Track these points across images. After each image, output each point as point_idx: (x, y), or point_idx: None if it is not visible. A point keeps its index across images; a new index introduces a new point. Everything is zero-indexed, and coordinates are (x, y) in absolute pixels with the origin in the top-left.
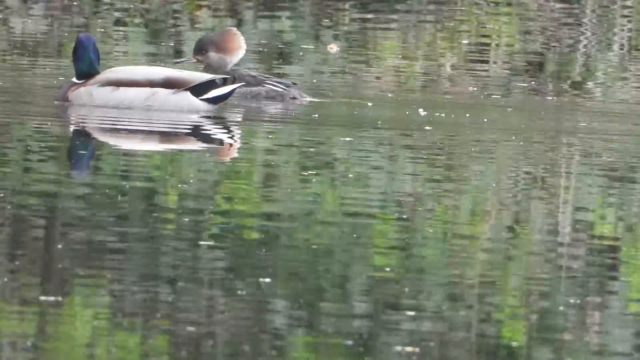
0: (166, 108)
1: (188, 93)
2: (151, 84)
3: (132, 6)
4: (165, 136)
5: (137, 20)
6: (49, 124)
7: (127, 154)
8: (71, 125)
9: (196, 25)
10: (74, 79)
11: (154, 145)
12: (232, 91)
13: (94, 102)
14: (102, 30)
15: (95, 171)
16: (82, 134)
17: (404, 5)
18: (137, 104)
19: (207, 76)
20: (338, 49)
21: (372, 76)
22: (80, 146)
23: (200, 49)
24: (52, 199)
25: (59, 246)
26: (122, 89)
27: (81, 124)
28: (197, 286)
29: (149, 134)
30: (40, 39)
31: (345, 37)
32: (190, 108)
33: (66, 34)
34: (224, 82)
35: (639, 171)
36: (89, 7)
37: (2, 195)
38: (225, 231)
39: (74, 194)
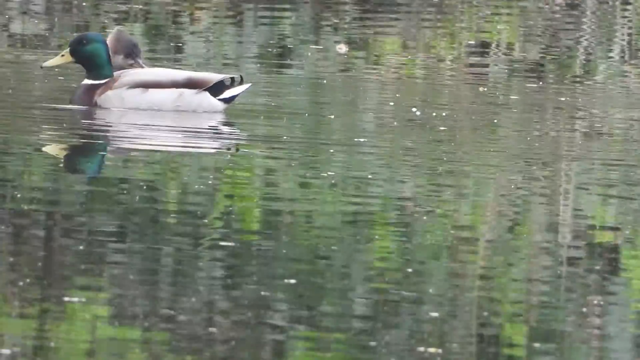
0: (191, 108)
1: (207, 93)
2: (175, 84)
3: (134, 7)
4: (188, 137)
5: (137, 21)
6: (64, 124)
7: (142, 156)
8: (99, 131)
9: (196, 24)
10: (91, 81)
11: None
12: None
13: (126, 105)
14: (102, 30)
15: (101, 173)
16: (103, 139)
17: (405, 5)
18: (168, 105)
19: (219, 76)
20: (347, 49)
21: (373, 75)
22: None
23: (140, 50)
24: (58, 200)
25: (61, 247)
26: (151, 90)
27: (107, 128)
28: (197, 286)
29: (176, 135)
30: (41, 39)
31: (347, 36)
32: (209, 108)
33: (75, 34)
34: (232, 81)
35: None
36: (89, 7)
37: (5, 197)
38: (226, 231)
39: (78, 195)
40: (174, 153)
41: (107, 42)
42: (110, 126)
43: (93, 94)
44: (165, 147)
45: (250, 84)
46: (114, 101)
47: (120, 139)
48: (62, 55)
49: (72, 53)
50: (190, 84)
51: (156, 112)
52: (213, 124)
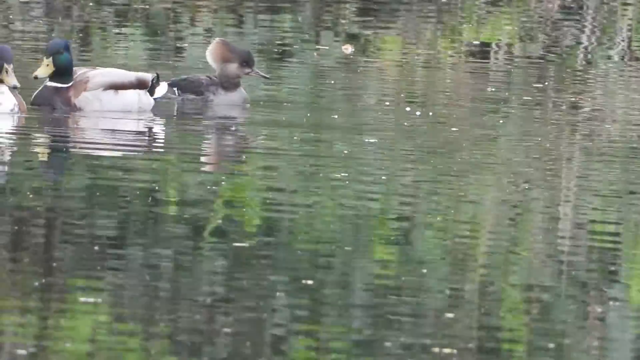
0: (145, 109)
1: (147, 93)
2: (132, 85)
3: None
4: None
5: (137, 20)
6: (71, 127)
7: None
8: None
9: (196, 24)
10: (55, 84)
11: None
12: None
13: (103, 107)
14: (102, 29)
15: (92, 175)
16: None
17: (405, 5)
18: (135, 106)
19: (150, 75)
20: (352, 49)
21: (374, 76)
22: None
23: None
24: (53, 201)
25: (59, 248)
26: (120, 92)
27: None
28: (197, 287)
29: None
30: (41, 39)
31: (348, 35)
32: (148, 107)
33: (83, 34)
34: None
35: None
36: (90, 7)
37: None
38: (225, 230)
39: (75, 195)
40: (173, 156)
41: (212, 52)
42: (99, 129)
43: (66, 96)
44: (163, 149)
45: (166, 83)
46: (93, 103)
47: (117, 141)
48: (47, 65)
49: (55, 62)
50: (140, 84)
51: (125, 114)
52: (211, 124)
